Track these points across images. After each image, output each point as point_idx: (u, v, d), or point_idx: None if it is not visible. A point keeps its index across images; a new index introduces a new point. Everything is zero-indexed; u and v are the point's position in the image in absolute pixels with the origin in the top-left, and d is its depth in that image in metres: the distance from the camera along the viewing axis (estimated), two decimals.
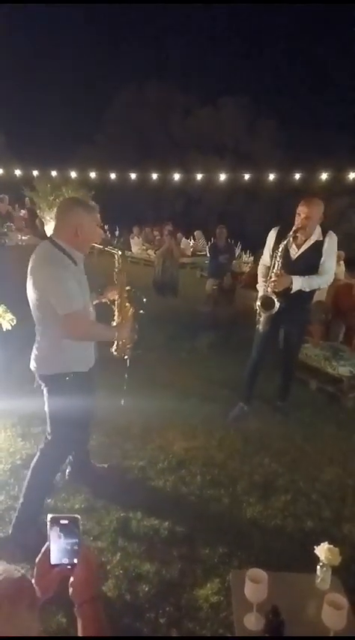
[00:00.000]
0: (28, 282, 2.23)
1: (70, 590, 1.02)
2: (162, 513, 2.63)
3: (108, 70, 35.61)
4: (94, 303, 2.52)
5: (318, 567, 1.81)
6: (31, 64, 34.16)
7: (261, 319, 3.54)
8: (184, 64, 34.60)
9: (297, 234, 3.40)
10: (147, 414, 3.66)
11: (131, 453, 3.25)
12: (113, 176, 15.54)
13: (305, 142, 25.15)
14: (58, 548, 1.04)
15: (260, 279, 3.65)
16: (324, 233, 3.46)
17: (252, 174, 15.47)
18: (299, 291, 3.42)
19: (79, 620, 0.99)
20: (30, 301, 2.26)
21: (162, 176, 15.97)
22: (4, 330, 3.76)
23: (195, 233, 15.13)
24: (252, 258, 11.81)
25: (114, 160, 21.00)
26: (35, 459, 2.41)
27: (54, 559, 1.04)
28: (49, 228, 11.41)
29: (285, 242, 3.36)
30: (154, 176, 15.78)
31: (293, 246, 3.48)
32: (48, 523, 1.04)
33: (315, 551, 1.83)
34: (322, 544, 1.83)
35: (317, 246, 3.44)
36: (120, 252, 2.53)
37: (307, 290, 3.46)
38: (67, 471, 2.85)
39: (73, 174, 13.83)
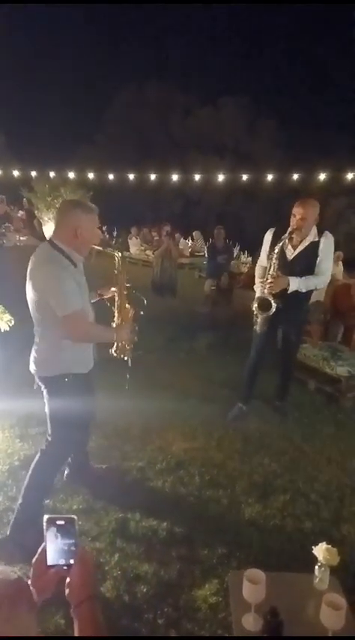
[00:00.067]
0: (28, 283, 2.23)
1: (67, 590, 1.02)
2: (161, 514, 2.63)
3: (108, 70, 35.68)
4: (93, 301, 2.52)
5: (316, 567, 1.81)
6: (31, 64, 34.22)
7: (258, 320, 3.54)
8: (184, 64, 34.67)
9: (293, 235, 3.40)
10: (147, 415, 3.66)
11: (130, 454, 3.25)
12: (112, 177, 15.53)
13: (304, 142, 25.21)
14: (54, 548, 1.04)
15: (257, 280, 3.66)
16: (320, 234, 3.46)
17: (251, 175, 15.49)
18: (297, 292, 3.42)
19: (76, 620, 0.99)
20: (29, 303, 2.27)
21: (161, 177, 15.97)
22: (3, 330, 3.76)
23: (193, 233, 15.14)
24: (250, 258, 11.84)
25: (113, 160, 21.02)
26: (35, 460, 2.41)
27: (50, 560, 1.04)
28: (48, 229, 11.42)
29: (281, 243, 3.37)
30: (153, 177, 15.78)
31: (289, 247, 3.49)
32: (44, 524, 1.04)
33: (313, 552, 1.83)
34: (320, 544, 1.83)
35: (313, 247, 3.45)
36: (120, 254, 2.54)
37: (304, 291, 3.46)
38: (66, 472, 2.85)
39: (72, 175, 13.82)
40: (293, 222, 3.37)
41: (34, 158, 16.68)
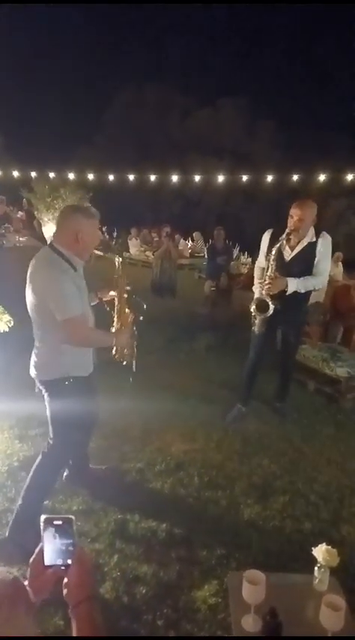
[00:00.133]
0: (28, 287, 2.24)
1: (65, 591, 1.02)
2: (160, 515, 2.63)
3: (108, 71, 35.74)
4: (93, 304, 2.52)
5: (316, 568, 1.81)
6: (31, 65, 34.26)
7: (256, 321, 3.55)
8: (183, 65, 34.72)
9: (290, 237, 3.41)
10: (146, 416, 3.66)
11: (129, 455, 3.25)
12: (111, 177, 15.55)
13: (304, 143, 25.23)
14: (52, 549, 1.03)
15: (256, 281, 3.66)
16: (318, 234, 3.47)
17: (251, 176, 15.51)
18: (295, 293, 3.42)
19: (74, 621, 0.98)
20: (29, 306, 2.27)
21: (160, 178, 15.99)
22: (2, 331, 3.75)
23: (194, 234, 15.15)
24: (250, 259, 11.85)
25: (113, 161, 21.04)
26: (37, 462, 2.41)
27: (48, 560, 1.03)
28: (47, 230, 11.42)
29: (278, 245, 3.37)
30: (153, 177, 15.79)
31: (287, 248, 3.49)
32: (41, 524, 1.03)
33: (313, 553, 1.82)
34: (320, 545, 1.83)
35: (311, 248, 3.45)
36: (120, 259, 2.54)
37: (302, 291, 3.46)
38: (65, 473, 2.85)
39: (71, 176, 13.83)
40: (290, 223, 3.38)
41: (33, 159, 16.70)
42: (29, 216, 13.02)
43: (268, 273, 3.41)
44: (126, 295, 2.57)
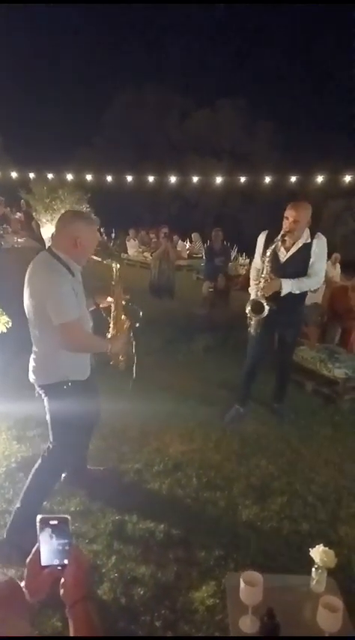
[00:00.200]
0: (25, 291, 2.25)
1: (61, 591, 1.02)
2: (158, 516, 2.63)
3: (107, 72, 35.76)
4: (90, 309, 2.53)
5: (313, 570, 1.82)
6: (31, 65, 34.28)
7: (252, 322, 3.56)
8: (182, 65, 34.76)
9: (285, 238, 3.41)
10: (144, 417, 3.66)
11: (127, 455, 3.25)
12: (110, 178, 15.55)
13: (302, 145, 25.29)
14: (48, 549, 1.03)
15: (252, 282, 3.66)
16: (312, 235, 3.47)
17: (249, 177, 15.53)
18: (290, 294, 3.43)
19: (71, 621, 0.98)
20: (26, 310, 2.28)
21: (159, 179, 16.00)
22: (0, 332, 3.75)
23: (192, 235, 15.16)
24: (248, 260, 11.84)
25: (111, 162, 21.05)
26: (36, 465, 2.42)
27: (44, 560, 1.03)
28: (45, 231, 11.41)
29: (273, 246, 3.38)
30: (151, 179, 15.80)
31: (282, 249, 3.50)
32: (37, 524, 1.03)
33: (310, 554, 1.83)
34: (317, 546, 1.83)
35: (306, 249, 3.46)
36: (118, 265, 2.55)
37: (297, 292, 3.47)
38: (63, 474, 2.84)
39: (70, 177, 13.83)
40: (285, 224, 3.39)
41: (32, 160, 16.69)
42: (27, 217, 13.00)
43: (263, 275, 3.42)
44: (123, 301, 2.58)
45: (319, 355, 4.72)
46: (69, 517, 1.05)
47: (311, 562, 1.82)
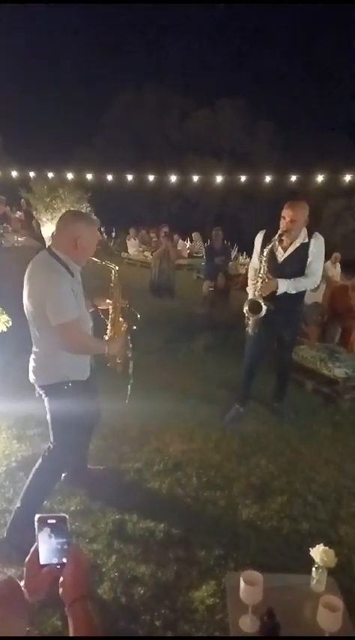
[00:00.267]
0: (25, 290, 2.24)
1: (60, 590, 1.02)
2: (158, 515, 2.63)
3: (107, 72, 35.74)
4: (89, 311, 2.53)
5: (314, 569, 1.82)
6: (31, 65, 34.26)
7: (250, 322, 3.55)
8: (182, 65, 34.75)
9: (283, 238, 3.41)
10: (144, 417, 3.65)
11: (127, 455, 3.25)
12: (110, 177, 15.54)
13: (302, 144, 25.27)
14: (46, 548, 1.03)
15: (249, 282, 3.66)
16: (310, 235, 3.47)
17: (249, 177, 15.52)
18: (288, 293, 3.43)
19: (70, 619, 0.98)
20: (26, 310, 2.27)
21: (159, 178, 15.99)
22: (0, 332, 3.75)
23: (192, 234, 15.15)
24: (248, 260, 11.83)
25: (112, 161, 21.03)
26: (37, 465, 2.42)
27: (43, 559, 1.03)
28: (46, 230, 11.41)
29: (270, 245, 3.38)
30: (151, 178, 15.79)
31: (280, 249, 3.50)
32: (36, 523, 1.03)
33: (311, 554, 1.83)
34: (317, 546, 1.83)
35: (304, 249, 3.46)
36: (116, 268, 2.56)
37: (293, 292, 3.46)
38: (64, 473, 2.84)
39: (70, 176, 13.82)
40: (282, 224, 3.38)
41: (32, 159, 16.69)
42: (28, 216, 13.00)
43: (260, 274, 3.42)
44: (121, 304, 2.59)
45: (319, 354, 4.71)
46: (67, 516, 1.05)
47: (312, 561, 1.82)
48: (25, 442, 3.28)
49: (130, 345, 2.59)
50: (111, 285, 2.56)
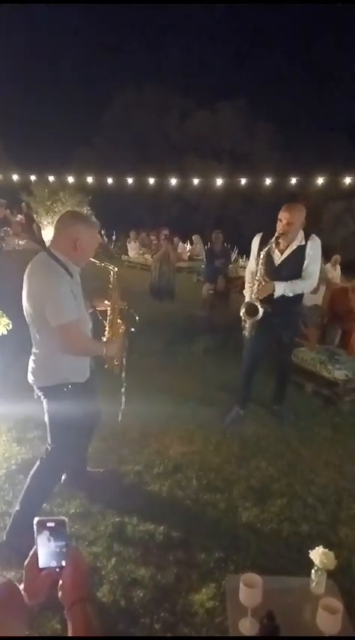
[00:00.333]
0: (24, 292, 2.24)
1: (59, 593, 1.02)
2: (158, 518, 2.63)
3: (107, 72, 35.83)
4: (88, 312, 2.53)
5: (313, 571, 1.81)
6: (31, 65, 34.37)
7: (247, 325, 3.56)
8: (182, 65, 34.84)
9: (280, 240, 3.41)
10: (144, 419, 3.65)
11: (127, 457, 3.25)
12: (110, 180, 15.58)
13: (302, 146, 25.31)
14: (45, 551, 1.03)
15: (247, 284, 3.67)
16: (307, 237, 3.47)
17: (249, 179, 15.54)
18: (285, 296, 3.43)
19: (69, 622, 0.98)
20: (25, 312, 2.27)
21: (159, 181, 16.02)
22: (0, 334, 3.75)
23: (193, 237, 15.18)
24: (248, 262, 11.85)
25: (112, 163, 21.08)
26: (35, 467, 2.41)
27: (42, 562, 1.03)
28: (47, 233, 11.44)
29: (267, 248, 3.38)
30: (152, 181, 15.82)
31: (276, 251, 3.50)
32: (34, 527, 1.03)
33: (310, 556, 1.82)
34: (317, 548, 1.83)
35: (300, 251, 3.46)
36: (115, 269, 2.55)
37: (290, 295, 3.46)
38: (63, 476, 2.84)
39: (71, 179, 13.85)
40: (279, 227, 3.39)
41: (32, 161, 16.73)
42: (28, 219, 13.01)
43: (257, 277, 3.42)
44: (120, 308, 2.60)
45: (319, 357, 4.72)
46: (66, 519, 1.05)
47: (311, 564, 1.81)
48: (24, 445, 3.28)
49: (127, 345, 2.58)
50: (110, 286, 2.57)
